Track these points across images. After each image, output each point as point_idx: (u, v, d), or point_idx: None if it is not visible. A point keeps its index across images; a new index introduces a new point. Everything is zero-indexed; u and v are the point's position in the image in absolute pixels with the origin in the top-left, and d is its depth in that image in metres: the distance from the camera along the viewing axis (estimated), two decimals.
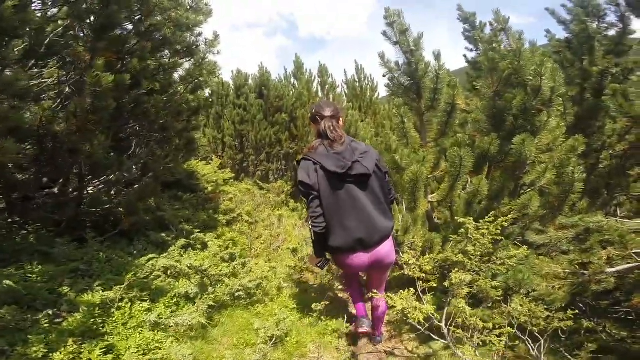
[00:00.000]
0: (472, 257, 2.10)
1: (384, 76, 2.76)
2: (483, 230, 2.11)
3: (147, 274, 2.63)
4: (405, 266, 2.27)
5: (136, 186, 3.29)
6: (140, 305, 2.29)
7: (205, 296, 2.60)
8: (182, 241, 3.52)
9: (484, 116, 2.60)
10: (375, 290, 2.11)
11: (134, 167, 3.54)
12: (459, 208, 2.63)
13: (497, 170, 2.59)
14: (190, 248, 3.66)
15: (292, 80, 9.93)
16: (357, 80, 10.74)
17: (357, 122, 7.14)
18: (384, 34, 2.66)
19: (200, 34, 3.85)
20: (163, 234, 3.53)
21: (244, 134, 8.25)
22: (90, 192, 3.19)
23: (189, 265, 2.53)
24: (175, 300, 2.54)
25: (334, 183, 1.87)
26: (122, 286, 2.21)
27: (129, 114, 3.17)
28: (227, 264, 3.13)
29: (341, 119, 2.09)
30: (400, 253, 2.65)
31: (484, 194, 2.44)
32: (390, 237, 2.04)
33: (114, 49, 2.66)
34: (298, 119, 8.20)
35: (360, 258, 1.96)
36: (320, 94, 9.83)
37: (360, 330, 2.38)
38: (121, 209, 3.26)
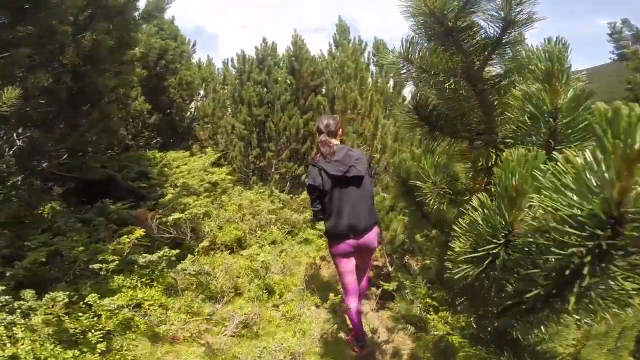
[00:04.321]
0: None
1: None
2: None
3: None
4: None
5: None
6: None
7: None
8: None
9: None
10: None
11: None
12: None
13: None
14: None
15: (337, 53, 7.36)
16: None
17: None
18: None
19: None
20: None
21: (262, 120, 5.97)
22: None
23: None
24: None
25: (335, 184, 2.30)
26: None
27: None
28: None
29: (340, 130, 2.45)
30: None
31: None
32: (375, 227, 2.44)
33: None
34: (338, 100, 5.58)
35: (350, 243, 2.38)
36: (373, 70, 7.06)
37: (355, 349, 2.57)
38: None
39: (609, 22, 4.05)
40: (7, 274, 1.78)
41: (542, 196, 0.33)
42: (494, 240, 0.39)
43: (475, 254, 0.40)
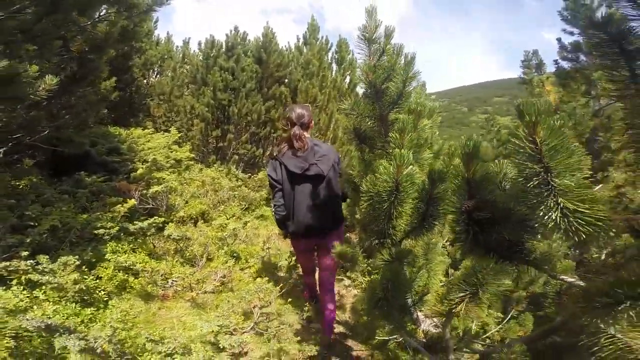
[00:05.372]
0: None
1: None
2: None
3: None
4: None
5: None
6: None
7: None
8: None
9: None
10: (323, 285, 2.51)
11: None
12: None
13: None
14: None
15: (304, 49, 7.85)
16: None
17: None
18: None
19: None
20: None
21: (225, 104, 6.27)
22: None
23: None
24: None
25: (294, 180, 2.15)
26: None
27: None
28: None
29: (312, 122, 2.25)
30: None
31: None
32: (338, 229, 2.32)
33: None
34: (300, 93, 6.13)
35: (307, 243, 2.34)
36: (334, 69, 7.73)
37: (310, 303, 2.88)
38: None
39: (525, 50, 5.13)
40: (27, 240, 2.08)
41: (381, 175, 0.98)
42: (371, 192, 1.03)
43: (367, 197, 1.05)
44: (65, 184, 3.30)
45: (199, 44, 7.41)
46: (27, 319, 1.68)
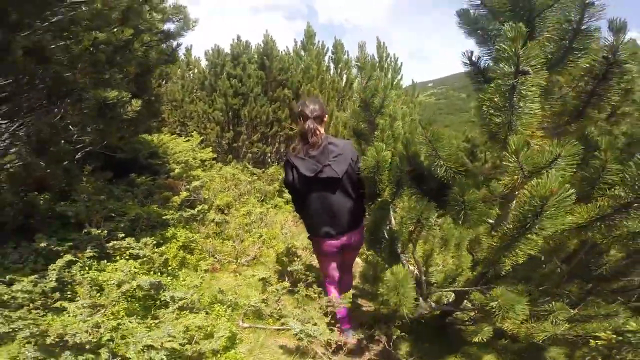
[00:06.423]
0: None
1: None
2: None
3: None
4: None
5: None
6: None
7: None
8: (87, 252, 2.36)
9: None
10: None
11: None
12: None
13: None
14: (101, 261, 2.51)
15: (302, 53, 8.55)
16: (377, 59, 9.13)
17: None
18: None
19: None
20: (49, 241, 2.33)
21: (236, 109, 6.98)
22: None
23: None
24: None
25: (307, 183, 2.07)
26: None
27: None
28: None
29: (325, 117, 2.15)
30: None
31: None
32: (360, 228, 2.24)
33: None
34: (302, 95, 6.84)
35: (330, 245, 2.22)
36: (332, 70, 8.43)
37: (345, 340, 2.46)
38: None
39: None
40: (122, 225, 2.82)
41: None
42: (364, 167, 1.73)
43: (362, 169, 1.74)
44: (121, 184, 4.05)
45: (206, 53, 8.12)
46: (145, 280, 2.34)
